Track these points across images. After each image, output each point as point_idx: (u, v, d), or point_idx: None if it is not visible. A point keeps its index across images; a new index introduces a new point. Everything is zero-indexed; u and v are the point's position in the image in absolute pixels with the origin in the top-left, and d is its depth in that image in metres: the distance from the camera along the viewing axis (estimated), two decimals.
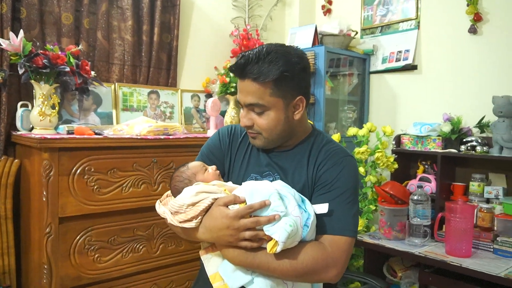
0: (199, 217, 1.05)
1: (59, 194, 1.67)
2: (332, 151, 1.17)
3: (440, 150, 2.34)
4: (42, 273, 1.67)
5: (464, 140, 2.31)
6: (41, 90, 1.95)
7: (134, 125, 1.99)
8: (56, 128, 2.02)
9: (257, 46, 2.85)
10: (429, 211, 2.23)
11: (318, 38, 2.80)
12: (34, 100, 2.02)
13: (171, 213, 1.07)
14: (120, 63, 2.41)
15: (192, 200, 1.05)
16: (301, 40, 2.79)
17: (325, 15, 3.22)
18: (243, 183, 1.11)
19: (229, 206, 1.03)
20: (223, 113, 2.77)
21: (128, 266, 1.89)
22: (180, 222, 1.05)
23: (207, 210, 1.05)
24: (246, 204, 1.02)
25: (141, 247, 1.93)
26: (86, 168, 1.74)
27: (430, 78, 2.63)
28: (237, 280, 1.03)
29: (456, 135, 2.32)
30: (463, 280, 1.94)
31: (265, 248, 1.00)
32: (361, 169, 2.40)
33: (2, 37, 1.93)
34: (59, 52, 1.98)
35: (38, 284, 1.71)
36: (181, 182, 1.13)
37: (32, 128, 1.99)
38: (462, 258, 1.97)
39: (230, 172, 1.24)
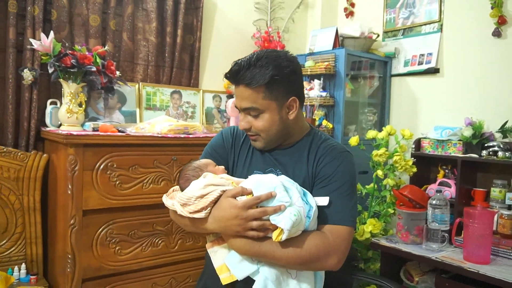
0: (209, 208, 1.10)
1: (83, 188, 1.75)
2: (330, 147, 1.24)
3: (460, 155, 2.31)
4: (66, 262, 1.76)
5: (486, 145, 2.28)
6: (69, 88, 2.05)
7: (156, 124, 2.06)
8: (82, 125, 2.11)
9: (278, 48, 2.91)
10: (447, 216, 2.20)
11: (339, 41, 2.81)
12: (62, 98, 2.11)
13: (180, 205, 1.12)
14: (144, 63, 2.49)
15: (201, 192, 1.09)
16: (322, 42, 2.81)
17: (347, 17, 3.22)
18: (249, 176, 1.16)
19: (236, 198, 1.08)
20: None
21: (147, 259, 1.96)
22: (190, 213, 1.10)
23: (215, 201, 1.10)
24: (253, 195, 1.07)
25: (160, 242, 1.99)
26: (109, 164, 1.82)
27: (453, 82, 2.60)
28: (243, 270, 1.07)
29: (477, 139, 2.29)
30: (481, 287, 1.92)
31: (270, 238, 1.06)
32: (379, 172, 2.40)
33: (34, 38, 2.03)
34: (87, 53, 2.06)
35: (63, 273, 1.80)
36: (192, 174, 1.18)
37: (60, 124, 2.08)
38: (480, 264, 1.95)
39: (234, 170, 1.31)
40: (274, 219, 1.04)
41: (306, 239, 1.08)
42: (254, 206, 1.06)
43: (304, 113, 2.66)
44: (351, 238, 1.16)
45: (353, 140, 2.49)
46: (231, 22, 2.91)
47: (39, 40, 1.98)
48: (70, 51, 2.02)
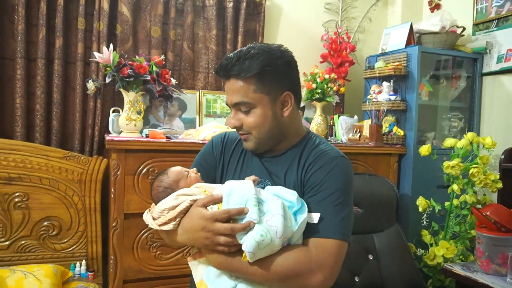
0: (177, 219, 1.03)
1: (124, 192, 1.82)
2: (322, 152, 1.11)
3: None
4: (109, 263, 1.84)
5: None
6: (128, 97, 2.17)
7: (202, 130, 2.06)
8: (141, 131, 2.21)
9: (348, 49, 2.70)
10: None
11: (415, 38, 2.50)
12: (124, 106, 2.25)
13: (154, 218, 1.06)
14: (205, 71, 2.53)
15: (172, 203, 1.03)
16: (395, 40, 2.54)
17: (432, 11, 2.87)
18: (226, 181, 1.06)
19: (208, 207, 1.00)
20: (309, 120, 2.69)
21: (188, 266, 1.94)
22: (159, 225, 1.04)
23: (185, 212, 1.02)
24: (223, 201, 0.99)
25: None
26: (150, 169, 1.86)
27: None
28: (220, 286, 0.99)
29: None
30: None
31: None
32: (455, 187, 2.05)
33: (99, 51, 2.20)
34: (145, 63, 2.17)
35: (109, 272, 1.89)
36: (163, 192, 1.11)
37: (121, 131, 2.21)
38: None
39: (224, 178, 1.21)
40: (240, 237, 0.94)
41: (285, 253, 0.97)
42: (224, 220, 0.96)
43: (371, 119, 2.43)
44: (342, 253, 1.02)
45: (424, 149, 2.18)
46: (298, 25, 2.81)
47: (103, 53, 2.14)
48: (129, 62, 2.14)
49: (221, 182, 1.19)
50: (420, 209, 2.19)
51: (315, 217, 1.00)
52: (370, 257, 1.98)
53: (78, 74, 2.21)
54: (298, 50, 2.83)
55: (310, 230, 1.01)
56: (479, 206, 2.07)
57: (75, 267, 2.09)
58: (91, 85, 2.15)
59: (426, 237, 2.23)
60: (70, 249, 2.13)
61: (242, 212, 0.95)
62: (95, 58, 2.11)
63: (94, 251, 2.16)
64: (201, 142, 1.95)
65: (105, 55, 2.11)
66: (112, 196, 1.81)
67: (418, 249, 2.20)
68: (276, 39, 2.75)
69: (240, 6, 2.53)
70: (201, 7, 2.50)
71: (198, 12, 2.49)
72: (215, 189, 1.06)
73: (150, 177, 1.86)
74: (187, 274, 1.95)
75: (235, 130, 1.16)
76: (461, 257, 2.13)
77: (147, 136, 2.09)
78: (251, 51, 1.07)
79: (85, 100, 2.25)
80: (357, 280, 1.93)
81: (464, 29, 2.51)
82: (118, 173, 1.81)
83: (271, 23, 2.72)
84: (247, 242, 0.92)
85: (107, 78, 2.09)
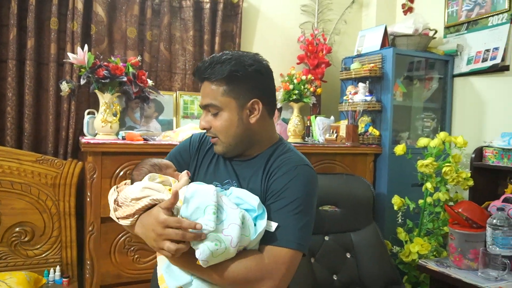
0: (135, 216, 1.04)
1: (101, 195, 1.79)
2: (286, 159, 1.12)
3: None
4: (86, 268, 1.80)
5: None
6: (103, 99, 2.13)
7: (180, 132, 2.05)
8: (117, 134, 2.17)
9: (324, 51, 2.74)
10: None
11: (389, 40, 2.56)
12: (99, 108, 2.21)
13: (117, 204, 1.08)
14: (182, 72, 2.51)
15: (136, 195, 1.04)
16: (370, 42, 2.59)
17: (405, 14, 2.94)
18: (191, 183, 1.07)
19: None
20: (287, 121, 2.71)
21: None
22: (118, 218, 1.06)
23: (143, 210, 1.03)
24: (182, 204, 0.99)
25: None
26: (128, 172, 1.84)
27: None
28: (177, 280, 1.01)
29: None
30: None
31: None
32: (429, 185, 2.11)
33: (73, 52, 2.15)
34: (121, 64, 2.13)
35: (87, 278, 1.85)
36: (148, 170, 1.13)
37: (96, 133, 2.17)
38: None
39: (195, 176, 1.22)
40: (194, 243, 0.95)
41: (238, 260, 0.99)
42: (174, 228, 0.96)
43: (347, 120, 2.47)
44: (295, 263, 1.03)
45: (399, 149, 2.24)
46: (275, 26, 2.82)
47: (77, 54, 2.09)
48: (105, 63, 2.11)
49: (193, 179, 1.20)
50: (396, 208, 2.24)
51: (273, 225, 1.02)
52: (348, 255, 2.01)
53: (51, 76, 2.16)
54: (275, 52, 2.89)
55: (266, 237, 1.02)
56: (451, 203, 2.13)
57: (49, 274, 2.03)
58: (65, 86, 2.10)
59: (401, 234, 2.28)
60: (43, 255, 2.08)
61: (193, 227, 0.93)
62: (69, 59, 2.07)
63: (69, 257, 2.11)
64: (177, 143, 1.93)
65: (79, 56, 2.07)
66: (88, 200, 1.78)
67: (394, 247, 2.25)
68: (253, 40, 2.75)
69: (217, 7, 2.53)
70: (178, 8, 2.48)
71: (174, 13, 2.47)
72: (180, 188, 1.06)
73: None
74: None
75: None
76: (434, 253, 2.19)
77: (123, 138, 2.05)
78: (223, 56, 1.12)
79: (58, 102, 2.20)
80: (335, 279, 1.96)
81: (436, 32, 2.58)
82: (95, 176, 1.77)
83: (249, 25, 2.73)
84: (201, 250, 0.93)
85: (82, 80, 2.04)
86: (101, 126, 2.11)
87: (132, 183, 1.15)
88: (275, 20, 2.82)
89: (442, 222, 2.20)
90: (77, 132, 2.23)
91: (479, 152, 2.19)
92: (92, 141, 1.79)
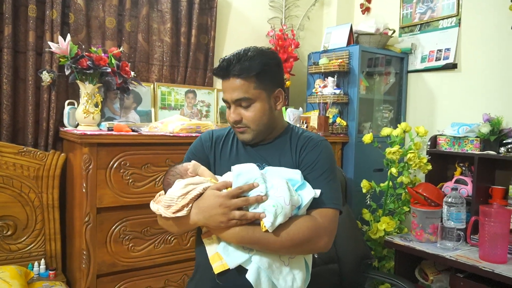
0: (190, 205, 1.14)
1: (97, 186, 1.80)
2: (309, 137, 1.31)
3: (477, 152, 2.26)
4: (82, 258, 1.82)
5: (504, 141, 2.21)
6: (85, 89, 2.10)
7: (169, 123, 2.10)
8: (98, 125, 2.16)
9: (292, 46, 2.89)
10: (464, 215, 2.16)
11: (354, 38, 2.78)
12: (80, 99, 2.18)
13: (165, 207, 1.16)
14: (159, 63, 2.53)
15: (181, 192, 1.14)
16: (336, 39, 2.79)
17: (363, 13, 3.19)
18: (232, 167, 1.19)
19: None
20: None
21: (160, 256, 2.00)
22: (173, 212, 1.14)
23: (196, 199, 1.14)
24: (233, 182, 1.12)
25: (172, 239, 2.03)
26: (122, 163, 1.86)
27: (471, 77, 2.54)
28: (236, 259, 1.11)
29: (495, 136, 2.23)
30: (496, 287, 1.87)
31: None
32: (393, 170, 2.37)
33: (53, 41, 2.10)
34: (102, 54, 2.12)
35: (79, 268, 1.86)
36: (173, 180, 1.21)
37: (77, 124, 2.14)
38: (496, 264, 1.91)
39: (216, 169, 1.32)
40: (253, 209, 1.09)
41: (297, 222, 1.13)
42: (238, 195, 1.11)
43: (317, 111, 2.66)
44: (337, 219, 1.21)
45: (367, 138, 2.47)
46: (246, 21, 2.93)
47: (57, 43, 2.05)
48: (86, 53, 2.08)
49: (214, 173, 1.29)
50: (364, 191, 2.48)
51: (317, 192, 1.18)
52: None
53: (29, 65, 2.09)
54: (246, 45, 2.97)
55: (312, 203, 1.18)
56: (411, 185, 2.41)
57: (33, 267, 2.01)
58: (46, 76, 2.05)
59: (367, 215, 2.53)
60: (26, 249, 2.04)
61: (252, 187, 1.10)
62: (51, 48, 2.02)
63: (53, 249, 2.10)
64: (171, 134, 1.99)
65: (61, 45, 2.03)
66: (84, 191, 1.78)
67: (363, 226, 2.49)
68: (226, 33, 2.84)
69: (193, 1, 2.57)
70: None
71: (152, 4, 2.48)
72: (222, 177, 1.19)
73: (122, 171, 1.87)
74: (160, 264, 2.03)
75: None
76: (397, 230, 2.47)
77: (109, 129, 2.06)
78: (248, 53, 1.23)
79: (37, 92, 2.14)
80: (316, 257, 2.14)
81: (394, 31, 2.85)
82: (90, 167, 1.78)
83: (222, 18, 2.81)
84: (265, 216, 1.07)
85: (66, 70, 2.01)
86: (83, 117, 2.09)
87: (165, 192, 1.22)
88: (246, 15, 2.93)
89: (402, 203, 2.48)
90: (56, 123, 2.18)
91: (433, 140, 2.48)
92: (89, 133, 1.79)
